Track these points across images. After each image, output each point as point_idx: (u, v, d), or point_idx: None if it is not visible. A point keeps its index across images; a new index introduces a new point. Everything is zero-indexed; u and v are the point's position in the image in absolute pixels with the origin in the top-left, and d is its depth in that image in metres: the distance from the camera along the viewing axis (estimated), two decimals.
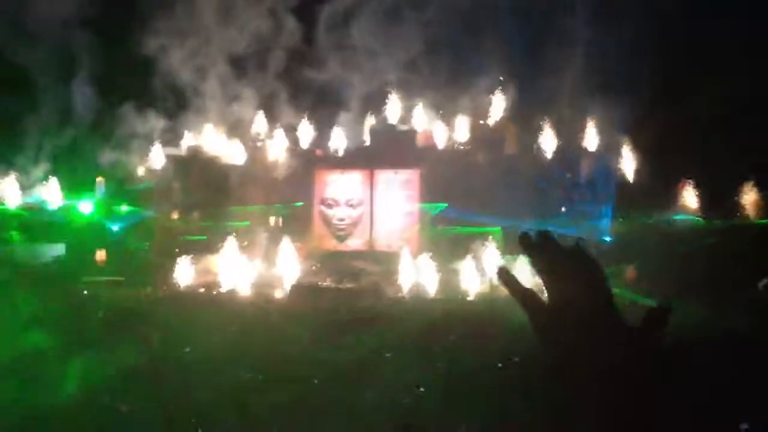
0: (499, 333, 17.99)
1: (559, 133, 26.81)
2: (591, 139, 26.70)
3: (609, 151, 26.18)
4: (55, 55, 28.03)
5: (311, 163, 28.65)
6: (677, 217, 24.74)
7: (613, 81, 24.95)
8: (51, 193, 28.74)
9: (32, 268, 27.66)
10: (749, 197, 24.34)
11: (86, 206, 28.72)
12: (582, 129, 26.80)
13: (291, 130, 29.57)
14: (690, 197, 24.59)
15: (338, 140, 28.76)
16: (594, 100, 25.56)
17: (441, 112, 28.37)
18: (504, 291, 2.24)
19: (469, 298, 23.47)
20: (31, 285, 25.37)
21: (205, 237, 27.46)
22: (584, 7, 25.37)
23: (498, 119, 28.27)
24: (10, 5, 26.99)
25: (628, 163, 25.93)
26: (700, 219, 24.51)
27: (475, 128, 28.17)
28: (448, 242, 25.08)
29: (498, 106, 28.15)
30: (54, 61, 28.10)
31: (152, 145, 29.59)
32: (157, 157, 29.69)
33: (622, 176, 25.92)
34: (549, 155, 26.88)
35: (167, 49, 27.93)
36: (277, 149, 29.34)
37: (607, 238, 24.15)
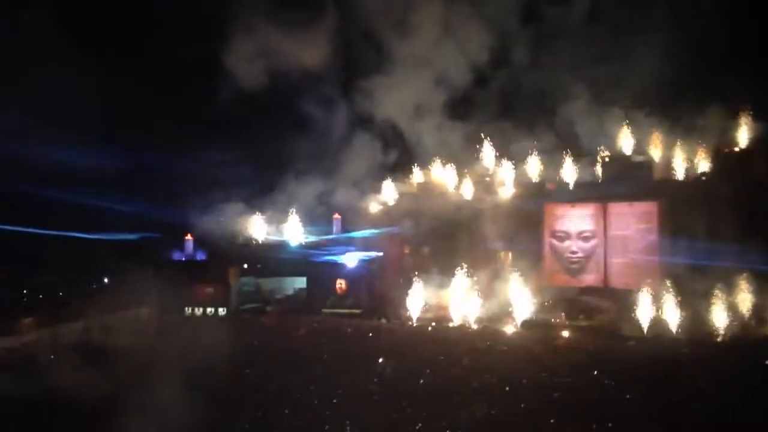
0: None
1: None
2: None
3: None
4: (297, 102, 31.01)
5: (542, 197, 29.20)
6: None
7: None
8: (292, 231, 31.43)
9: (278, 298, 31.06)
10: None
11: (324, 242, 31.28)
12: None
13: (520, 163, 30.07)
14: None
15: (569, 173, 28.97)
16: None
17: (680, 141, 27.65)
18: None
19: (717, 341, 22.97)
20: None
21: (434, 271, 28.75)
22: None
23: (744, 146, 27.11)
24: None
25: None
26: None
27: (716, 157, 27.19)
28: (689, 279, 24.41)
29: (744, 131, 27.00)
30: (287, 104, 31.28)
31: (384, 182, 31.55)
32: (389, 193, 31.58)
33: None
34: None
35: (395, 88, 30.08)
36: (505, 183, 30.09)
37: None
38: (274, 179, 31.56)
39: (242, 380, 18.97)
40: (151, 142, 30.65)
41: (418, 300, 27.29)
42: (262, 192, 31.80)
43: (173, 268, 29.67)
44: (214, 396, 16.72)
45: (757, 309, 23.30)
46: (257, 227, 31.51)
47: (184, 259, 30.57)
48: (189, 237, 30.70)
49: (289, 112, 31.78)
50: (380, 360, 21.09)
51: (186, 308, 28.78)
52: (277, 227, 31.78)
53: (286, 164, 31.35)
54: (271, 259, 31.25)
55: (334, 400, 17.54)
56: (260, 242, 31.51)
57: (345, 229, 31.50)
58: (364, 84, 30.31)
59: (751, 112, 26.99)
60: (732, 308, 23.36)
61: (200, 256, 30.71)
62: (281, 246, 31.45)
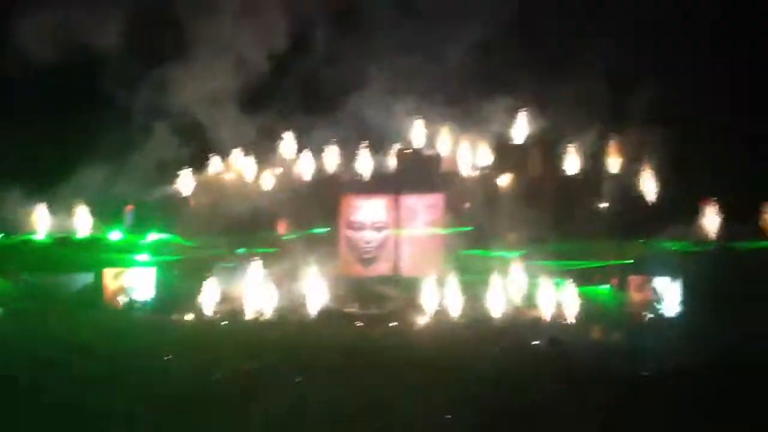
0: None
1: (583, 154, 27.88)
2: (614, 161, 27.67)
3: (631, 172, 27.12)
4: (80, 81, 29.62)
5: (337, 187, 29.91)
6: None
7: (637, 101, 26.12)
8: (80, 222, 30.01)
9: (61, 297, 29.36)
10: None
11: (115, 235, 30.12)
12: (605, 151, 27.79)
13: (317, 154, 30.56)
14: (712, 218, 25.33)
15: (364, 165, 29.85)
16: (617, 121, 26.64)
17: (464, 135, 29.34)
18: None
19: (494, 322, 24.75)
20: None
21: (232, 264, 28.70)
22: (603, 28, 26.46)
23: (521, 142, 29.28)
24: None
25: (649, 184, 26.82)
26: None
27: (497, 151, 29.19)
28: (471, 266, 26.19)
29: (521, 128, 29.15)
30: (77, 87, 29.81)
31: (180, 171, 30.94)
32: (186, 183, 31.01)
33: (643, 198, 26.86)
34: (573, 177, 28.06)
35: (190, 71, 29.42)
36: (303, 174, 30.48)
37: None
38: (61, 167, 29.82)
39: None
40: None
41: (212, 293, 27.08)
42: (46, 181, 30.08)
43: None
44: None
45: (529, 293, 25.48)
46: (40, 218, 29.69)
47: None
48: None
49: (77, 94, 30.27)
50: (167, 357, 20.65)
51: None
52: (63, 219, 30.08)
53: (74, 152, 29.75)
54: (55, 253, 29.64)
55: (119, 402, 16.93)
56: (42, 234, 29.74)
57: (139, 221, 30.43)
58: (158, 68, 29.54)
59: (531, 109, 29.07)
60: (508, 293, 25.39)
61: None
62: (66, 239, 29.92)
